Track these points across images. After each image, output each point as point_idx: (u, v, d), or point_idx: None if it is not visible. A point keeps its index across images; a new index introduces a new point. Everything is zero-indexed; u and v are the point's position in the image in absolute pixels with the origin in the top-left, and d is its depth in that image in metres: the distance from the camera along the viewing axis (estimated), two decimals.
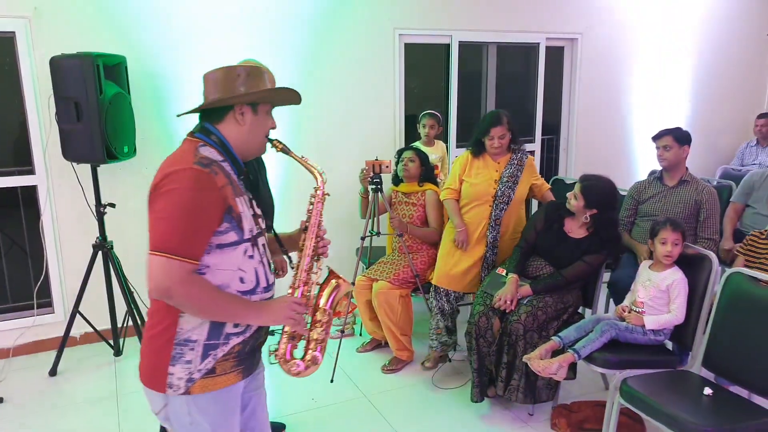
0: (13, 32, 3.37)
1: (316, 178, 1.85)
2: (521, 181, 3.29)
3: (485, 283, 3.13)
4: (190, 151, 1.55)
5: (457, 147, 4.91)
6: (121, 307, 3.52)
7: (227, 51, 3.80)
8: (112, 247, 3.44)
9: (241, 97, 1.61)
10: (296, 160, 1.79)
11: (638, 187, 3.56)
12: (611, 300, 3.58)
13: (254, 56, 3.98)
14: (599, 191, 2.91)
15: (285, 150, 1.75)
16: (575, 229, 3.02)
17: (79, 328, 3.67)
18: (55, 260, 3.68)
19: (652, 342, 2.63)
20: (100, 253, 3.43)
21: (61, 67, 3.12)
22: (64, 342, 3.44)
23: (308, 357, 1.75)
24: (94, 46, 3.38)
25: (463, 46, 4.73)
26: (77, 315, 3.45)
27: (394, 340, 3.50)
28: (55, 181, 3.58)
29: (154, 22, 3.66)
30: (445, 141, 4.89)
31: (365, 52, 4.33)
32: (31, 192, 3.66)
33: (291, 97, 1.71)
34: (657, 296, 2.65)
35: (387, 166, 3.50)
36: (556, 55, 5.17)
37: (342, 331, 3.79)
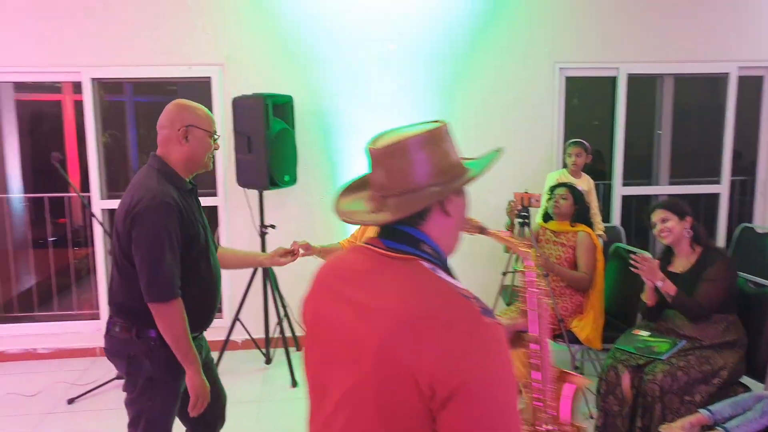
0: (209, 77, 4.06)
1: (524, 258, 1.43)
2: None
3: (618, 342, 2.84)
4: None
5: (624, 185, 4.53)
6: (274, 318, 3.91)
7: (382, 89, 4.07)
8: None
9: (449, 186, 1.10)
10: (497, 238, 1.40)
11: None
12: None
13: (408, 90, 4.20)
14: (678, 201, 2.81)
15: (482, 230, 1.36)
16: (681, 262, 2.78)
17: (241, 335, 4.15)
18: (227, 270, 4.23)
19: None
20: (260, 268, 3.88)
21: (239, 106, 3.66)
22: (224, 345, 3.92)
23: None
24: (268, 87, 3.89)
25: (633, 78, 4.39)
26: (238, 322, 3.91)
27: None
28: (231, 203, 4.15)
29: (319, 66, 4.10)
30: (610, 178, 4.55)
31: (522, 86, 4.28)
32: (213, 211, 4.29)
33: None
34: None
35: (537, 200, 3.34)
36: (750, 85, 4.50)
37: None
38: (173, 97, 5.37)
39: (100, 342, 4.12)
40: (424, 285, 1.04)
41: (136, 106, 5.37)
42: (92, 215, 3.84)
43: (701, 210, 4.75)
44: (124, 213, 1.88)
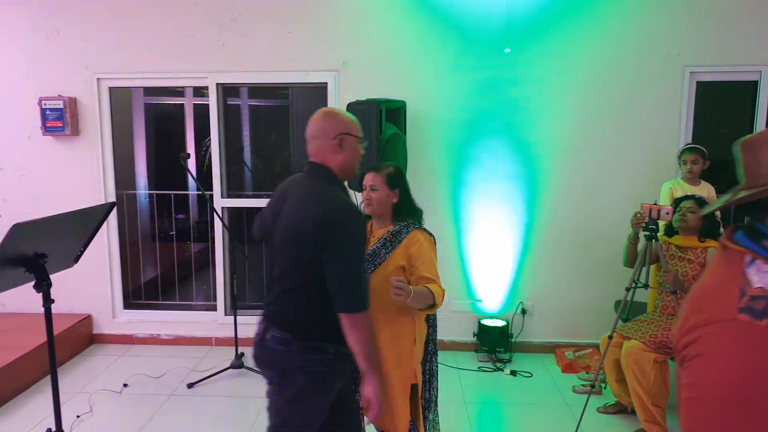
0: (326, 83, 4.18)
1: None
2: None
3: None
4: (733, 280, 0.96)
5: None
6: None
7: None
8: None
9: None
10: None
11: None
12: None
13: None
14: None
15: None
16: None
17: None
18: None
19: None
20: None
21: (353, 111, 3.69)
22: None
23: None
24: (382, 92, 3.94)
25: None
26: None
27: (642, 409, 3.11)
28: None
29: (432, 71, 4.10)
30: None
31: (646, 90, 4.05)
32: None
33: None
34: None
35: (667, 213, 3.12)
36: None
37: (592, 386, 3.52)
38: (285, 101, 5.60)
39: (216, 332, 4.43)
40: None
41: (250, 109, 5.64)
42: (215, 212, 4.07)
43: None
44: (313, 225, 1.83)
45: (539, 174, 4.18)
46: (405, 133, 3.93)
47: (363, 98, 3.74)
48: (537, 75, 4.08)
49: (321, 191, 1.91)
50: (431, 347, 2.46)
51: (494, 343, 4.19)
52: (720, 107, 4.52)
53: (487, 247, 4.27)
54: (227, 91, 4.46)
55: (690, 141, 4.08)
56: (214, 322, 4.49)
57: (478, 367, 4.09)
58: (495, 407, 3.59)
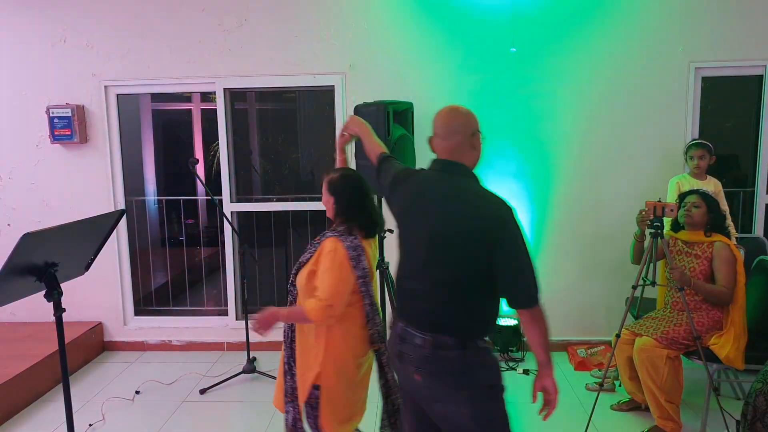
0: (333, 86, 4.19)
1: None
2: None
3: None
4: None
5: None
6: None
7: (503, 92, 4.00)
8: (387, 267, 3.91)
9: None
10: None
11: None
12: None
13: (530, 91, 4.10)
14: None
15: None
16: None
17: None
18: None
19: None
20: (378, 271, 3.93)
21: (361, 114, 3.71)
22: None
23: None
24: (389, 94, 3.95)
25: None
26: None
27: (656, 406, 3.10)
28: None
29: (438, 72, 4.11)
30: (753, 184, 4.18)
31: (652, 87, 4.05)
32: (322, 214, 4.40)
33: None
34: None
35: (672, 210, 3.13)
36: None
37: (601, 384, 3.52)
38: (292, 105, 5.58)
39: (227, 337, 4.44)
40: None
41: (258, 113, 5.66)
42: (224, 216, 4.08)
43: None
44: (487, 225, 1.82)
45: (548, 172, 4.18)
46: (413, 134, 3.94)
47: (370, 100, 3.75)
48: (543, 74, 4.08)
49: (481, 190, 1.91)
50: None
51: (507, 343, 4.19)
52: (726, 102, 4.52)
53: None
54: (235, 95, 4.48)
55: (696, 136, 4.07)
56: (226, 327, 4.49)
57: None
58: (508, 406, 3.57)
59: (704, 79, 4.08)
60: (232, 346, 4.45)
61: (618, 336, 3.31)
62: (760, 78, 4.04)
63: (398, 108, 3.80)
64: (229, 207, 4.38)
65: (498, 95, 4.11)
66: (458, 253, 1.85)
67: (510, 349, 4.19)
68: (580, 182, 4.17)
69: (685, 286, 3.07)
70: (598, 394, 3.25)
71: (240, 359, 4.11)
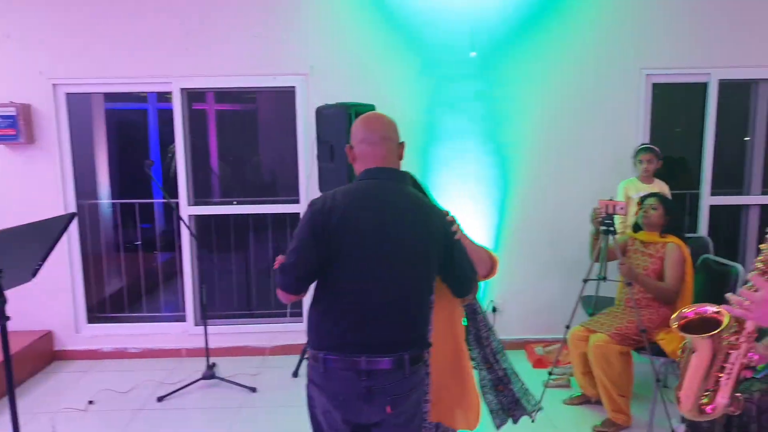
0: (294, 87, 4.16)
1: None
2: None
3: None
4: None
5: (712, 194, 4.34)
6: None
7: (463, 95, 4.06)
8: None
9: None
10: None
11: None
12: None
13: (488, 96, 4.19)
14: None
15: None
16: None
17: None
18: None
19: None
20: None
21: (323, 116, 3.72)
22: (305, 350, 4.00)
23: None
24: (351, 96, 3.95)
25: (724, 84, 4.21)
26: None
27: (609, 400, 3.22)
28: None
29: (401, 75, 4.14)
30: (697, 186, 4.38)
31: (605, 91, 4.18)
32: (295, 218, 4.39)
33: None
34: None
35: (622, 208, 3.30)
36: None
37: (550, 373, 3.63)
38: (253, 106, 5.52)
39: (185, 343, 4.34)
40: None
41: (216, 114, 5.56)
42: (181, 220, 3.99)
43: None
44: (438, 237, 1.85)
45: (506, 175, 4.26)
46: None
47: (332, 102, 3.74)
48: (502, 78, 4.17)
49: (423, 200, 1.93)
50: None
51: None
52: (676, 108, 4.71)
53: None
54: (193, 96, 4.39)
55: (647, 141, 4.23)
56: (184, 333, 4.39)
57: None
58: None
59: (655, 86, 4.25)
60: (190, 353, 4.35)
61: (567, 327, 3.41)
62: (705, 85, 4.23)
63: (360, 110, 3.80)
64: (187, 210, 4.29)
65: (458, 98, 4.17)
66: (423, 260, 1.84)
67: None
68: (537, 184, 4.26)
69: (632, 281, 3.20)
70: (544, 390, 3.39)
71: (199, 365, 4.02)
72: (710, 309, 1.51)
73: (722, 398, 1.45)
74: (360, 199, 1.83)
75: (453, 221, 1.93)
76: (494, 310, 4.36)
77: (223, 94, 5.56)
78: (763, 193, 4.48)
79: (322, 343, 1.79)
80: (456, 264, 1.90)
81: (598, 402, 3.35)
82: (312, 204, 1.83)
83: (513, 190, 4.28)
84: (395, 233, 1.79)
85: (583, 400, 3.56)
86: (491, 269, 2.14)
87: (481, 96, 4.18)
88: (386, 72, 4.14)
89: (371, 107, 3.91)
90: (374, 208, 1.81)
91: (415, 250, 1.82)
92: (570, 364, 3.69)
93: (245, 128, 4.88)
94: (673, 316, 1.59)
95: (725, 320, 1.46)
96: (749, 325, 1.44)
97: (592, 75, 4.16)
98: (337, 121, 3.65)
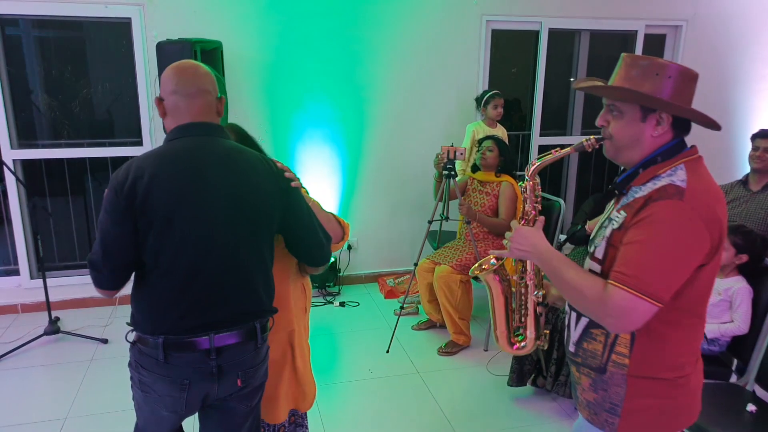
0: (129, 18, 3.80)
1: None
2: None
3: None
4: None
5: (541, 135, 4.84)
6: None
7: (310, 36, 4.01)
8: None
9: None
10: None
11: None
12: None
13: (334, 37, 4.15)
14: None
15: None
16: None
17: None
18: None
19: (705, 352, 2.54)
20: None
21: (164, 52, 3.47)
22: None
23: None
24: (195, 31, 3.72)
25: (553, 33, 4.62)
26: None
27: (451, 323, 3.61)
28: None
29: (250, 13, 3.96)
30: (529, 129, 4.84)
31: (449, 37, 4.38)
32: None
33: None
34: (718, 303, 2.54)
35: (461, 153, 3.57)
36: (655, 43, 4.89)
37: (402, 307, 3.99)
38: (79, 33, 4.93)
39: (21, 298, 4.00)
40: None
41: (35, 42, 4.89)
42: (4, 164, 3.58)
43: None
44: (271, 191, 1.66)
45: (361, 117, 4.36)
46: (223, 75, 3.80)
47: (174, 38, 3.50)
48: (355, 19, 4.16)
49: (250, 155, 1.67)
50: None
51: (324, 279, 4.43)
52: (510, 52, 5.08)
53: (312, 190, 4.38)
54: (5, 21, 3.83)
55: (486, 85, 4.55)
56: (19, 287, 4.04)
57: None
58: (327, 337, 3.85)
59: (494, 32, 4.53)
60: (28, 308, 4.04)
61: (416, 265, 3.72)
62: (537, 33, 4.61)
63: (206, 47, 3.62)
64: (10, 154, 3.84)
65: (309, 38, 4.11)
66: (257, 220, 1.65)
67: (327, 285, 4.45)
68: (388, 126, 4.43)
69: (471, 220, 3.55)
70: (398, 317, 3.71)
71: (39, 321, 3.76)
72: (493, 258, 1.72)
73: (530, 333, 1.71)
74: (171, 162, 1.56)
75: (292, 178, 1.75)
76: (349, 248, 4.57)
77: (43, 21, 4.89)
78: (583, 134, 5.09)
79: (158, 328, 1.58)
80: (303, 226, 1.75)
81: (443, 326, 3.74)
82: (113, 180, 1.54)
83: (366, 132, 4.40)
84: (219, 195, 1.57)
85: (430, 325, 3.94)
86: (342, 237, 2.04)
87: (335, 36, 4.16)
88: (233, 6, 3.92)
89: (218, 44, 3.74)
90: (190, 169, 1.56)
91: (245, 210, 1.61)
92: (418, 294, 4.05)
93: (72, 58, 4.36)
94: (475, 265, 1.82)
95: (496, 261, 1.71)
96: (529, 266, 1.65)
97: (437, 20, 4.32)
98: (180, 57, 3.41)
